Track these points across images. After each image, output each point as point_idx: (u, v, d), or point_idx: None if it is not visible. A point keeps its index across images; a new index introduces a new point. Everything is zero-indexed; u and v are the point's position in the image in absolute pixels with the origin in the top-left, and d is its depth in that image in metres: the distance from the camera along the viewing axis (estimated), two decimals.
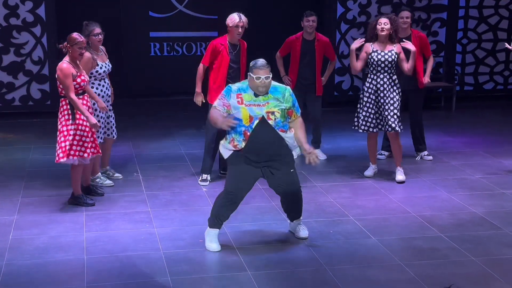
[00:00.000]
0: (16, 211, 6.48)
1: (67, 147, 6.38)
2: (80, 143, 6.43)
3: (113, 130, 7.29)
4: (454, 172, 7.75)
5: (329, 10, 10.99)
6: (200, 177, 7.36)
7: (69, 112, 6.40)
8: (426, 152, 8.29)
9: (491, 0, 11.43)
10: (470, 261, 5.43)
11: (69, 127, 6.40)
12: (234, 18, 7.08)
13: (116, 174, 7.48)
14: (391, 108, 7.18)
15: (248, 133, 5.41)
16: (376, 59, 7.17)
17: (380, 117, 7.26)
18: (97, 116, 6.95)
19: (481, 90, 11.75)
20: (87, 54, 6.77)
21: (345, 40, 11.08)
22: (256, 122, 5.39)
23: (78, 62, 6.51)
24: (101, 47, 7.16)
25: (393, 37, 7.20)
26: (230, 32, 7.12)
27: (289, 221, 5.96)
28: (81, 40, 6.40)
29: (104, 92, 7.08)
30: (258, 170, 5.52)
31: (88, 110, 6.48)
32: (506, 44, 7.72)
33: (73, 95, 6.34)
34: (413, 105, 8.13)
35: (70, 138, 6.38)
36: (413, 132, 8.30)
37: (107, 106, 7.09)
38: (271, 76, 5.44)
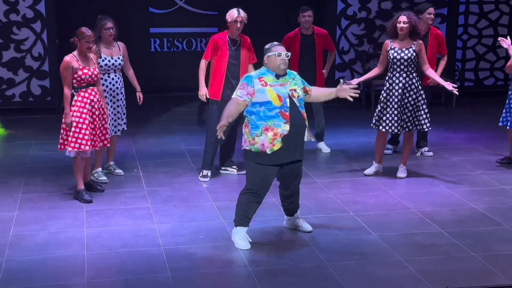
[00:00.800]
0: (17, 207, 6.48)
1: (63, 139, 6.51)
2: (78, 135, 6.46)
3: (115, 127, 7.26)
4: (455, 168, 7.74)
5: (330, 6, 10.98)
6: (201, 173, 7.35)
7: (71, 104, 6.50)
8: (426, 148, 8.30)
9: None
10: (470, 257, 5.42)
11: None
12: (233, 13, 7.08)
13: (117, 170, 7.47)
14: (411, 105, 7.12)
15: (287, 113, 5.38)
16: (392, 57, 7.13)
17: (402, 118, 7.17)
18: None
19: (482, 86, 11.74)
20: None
21: (346, 36, 11.07)
22: (288, 100, 5.40)
23: (90, 55, 6.59)
24: (119, 43, 7.22)
25: (413, 34, 7.12)
26: (230, 28, 7.12)
27: (286, 217, 5.95)
28: (89, 34, 6.46)
29: (107, 86, 7.08)
30: (279, 168, 5.53)
31: (91, 103, 6.51)
32: (500, 39, 7.62)
33: (66, 89, 6.46)
34: None
35: (68, 128, 6.48)
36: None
37: (112, 101, 7.13)
38: (290, 55, 5.52)
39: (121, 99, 7.26)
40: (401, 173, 7.40)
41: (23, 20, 10.14)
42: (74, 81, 6.48)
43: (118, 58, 7.15)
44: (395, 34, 7.15)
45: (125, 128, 7.45)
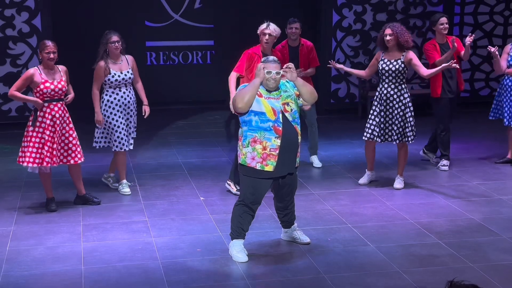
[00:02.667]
0: (13, 222, 6.46)
1: (25, 152, 6.52)
2: (41, 150, 6.49)
3: (120, 142, 7.14)
4: (452, 179, 7.75)
5: (325, 18, 11.01)
6: (236, 188, 7.22)
7: (32, 117, 6.54)
8: (444, 162, 8.09)
9: (486, 6, 11.47)
10: (468, 268, 5.41)
11: (29, 133, 6.53)
12: (261, 26, 6.97)
13: (115, 184, 7.45)
14: (396, 118, 7.16)
15: (280, 128, 5.35)
16: (381, 68, 7.19)
17: (385, 128, 7.23)
18: (109, 123, 7.07)
19: (477, 97, 11.76)
20: (100, 63, 6.98)
21: (341, 48, 11.10)
22: (281, 116, 5.36)
23: (59, 68, 6.60)
24: (127, 56, 7.20)
25: (399, 45, 7.14)
26: (261, 41, 6.99)
27: (283, 230, 5.93)
28: (48, 45, 6.54)
29: (119, 100, 7.05)
30: (272, 180, 5.52)
31: (52, 119, 6.49)
32: (489, 47, 7.77)
33: (12, 91, 6.53)
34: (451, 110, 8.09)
35: (27, 143, 6.51)
36: (435, 138, 8.26)
37: (125, 115, 7.11)
38: (281, 73, 5.47)
39: (134, 114, 7.22)
40: (398, 184, 7.40)
41: (19, 35, 10.15)
42: (37, 94, 6.51)
43: (128, 72, 7.12)
44: (384, 46, 7.21)
45: (134, 136, 7.36)
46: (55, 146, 6.54)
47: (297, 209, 5.92)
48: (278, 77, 5.44)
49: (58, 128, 6.56)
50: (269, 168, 5.38)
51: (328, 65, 7.49)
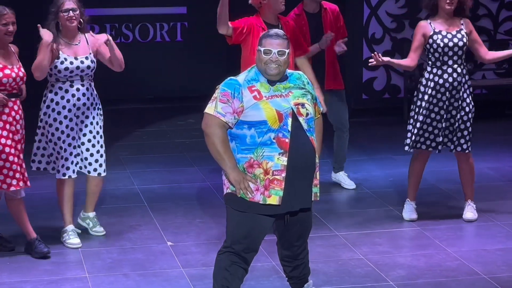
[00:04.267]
0: None
1: None
2: (4, 170, 6.52)
3: (63, 165, 7.07)
4: None
5: None
6: None
7: None
8: None
9: None
10: None
11: None
12: None
13: (97, 228, 7.34)
14: (465, 118, 7.27)
15: (286, 140, 5.35)
16: (442, 45, 7.23)
17: (447, 132, 7.31)
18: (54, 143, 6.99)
19: None
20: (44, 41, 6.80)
21: (377, 17, 11.10)
22: (290, 121, 5.35)
23: (12, 49, 6.63)
24: (88, 35, 7.07)
25: (459, 10, 7.22)
26: (267, 6, 7.08)
27: None
28: (5, 13, 6.48)
29: (69, 101, 6.95)
30: (275, 218, 5.53)
31: (12, 123, 6.54)
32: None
33: None
34: None
35: None
36: None
37: (79, 125, 7.05)
38: (288, 52, 5.44)
39: (95, 122, 7.14)
40: (469, 212, 7.45)
41: None
42: None
43: (87, 59, 7.00)
44: (434, 9, 7.24)
45: (103, 173, 7.28)
46: (20, 161, 6.59)
47: (312, 259, 5.93)
48: (283, 59, 5.44)
49: (16, 138, 6.59)
50: (273, 200, 5.38)
51: (370, 61, 7.36)
